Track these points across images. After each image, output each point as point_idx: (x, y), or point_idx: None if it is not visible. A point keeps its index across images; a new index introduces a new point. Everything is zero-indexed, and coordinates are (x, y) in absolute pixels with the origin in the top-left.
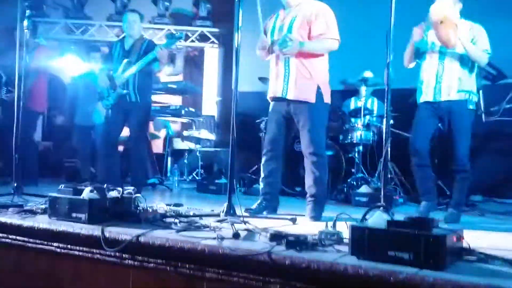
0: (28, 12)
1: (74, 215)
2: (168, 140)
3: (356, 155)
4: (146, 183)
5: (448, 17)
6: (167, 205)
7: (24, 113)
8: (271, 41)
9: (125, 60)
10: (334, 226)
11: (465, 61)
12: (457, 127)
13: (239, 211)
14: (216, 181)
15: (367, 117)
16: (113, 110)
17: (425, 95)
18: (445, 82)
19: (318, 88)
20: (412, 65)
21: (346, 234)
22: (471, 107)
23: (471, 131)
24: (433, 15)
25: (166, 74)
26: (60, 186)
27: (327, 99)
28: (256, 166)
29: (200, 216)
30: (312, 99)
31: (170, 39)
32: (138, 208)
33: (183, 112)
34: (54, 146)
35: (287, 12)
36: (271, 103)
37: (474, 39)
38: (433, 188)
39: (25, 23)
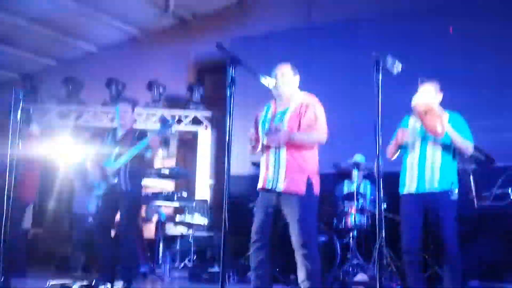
0: (22, 104)
1: None
2: (160, 226)
3: (351, 240)
4: (132, 274)
5: (433, 107)
6: None
7: (14, 203)
8: (262, 132)
9: (117, 149)
10: None
11: (447, 151)
12: (442, 218)
13: None
14: (209, 269)
15: (361, 201)
16: (104, 199)
17: (408, 187)
18: (427, 172)
19: (308, 179)
20: (395, 157)
21: None
22: (453, 198)
23: (462, 217)
24: (417, 106)
25: (160, 157)
26: (48, 283)
27: (316, 190)
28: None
29: None
30: (302, 191)
31: (163, 126)
32: None
33: (175, 197)
34: (45, 233)
35: (278, 104)
36: (260, 193)
37: (456, 129)
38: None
39: (19, 114)
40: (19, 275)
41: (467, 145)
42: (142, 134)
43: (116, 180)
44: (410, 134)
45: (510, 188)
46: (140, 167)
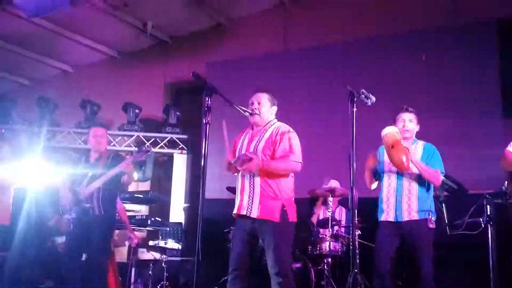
0: None
1: None
2: (132, 250)
3: (325, 267)
4: None
5: (399, 142)
6: None
7: None
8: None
9: (90, 173)
10: None
11: (423, 180)
12: (419, 246)
13: None
14: None
15: (335, 227)
16: (75, 224)
17: (387, 214)
18: (405, 202)
19: (283, 206)
20: (374, 186)
21: None
22: (431, 226)
23: (436, 244)
24: (384, 139)
25: (134, 180)
26: None
27: (292, 217)
28: (225, 277)
29: None
30: (276, 218)
31: (139, 151)
32: None
33: (149, 221)
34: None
35: (255, 132)
36: (236, 220)
37: (428, 160)
38: None
39: None
40: None
41: (435, 177)
42: (116, 157)
43: (88, 205)
44: (386, 163)
45: (481, 218)
46: (114, 191)
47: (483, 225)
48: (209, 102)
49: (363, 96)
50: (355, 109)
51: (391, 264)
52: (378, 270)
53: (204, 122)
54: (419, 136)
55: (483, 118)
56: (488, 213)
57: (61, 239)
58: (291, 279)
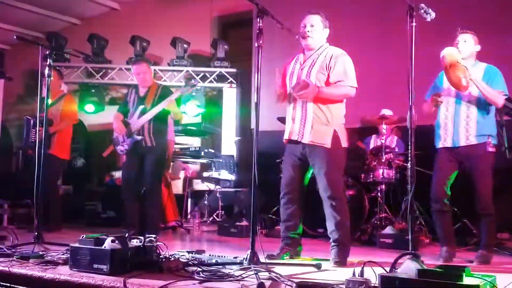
0: (49, 61)
1: (95, 266)
2: (187, 182)
3: (379, 194)
4: (159, 228)
5: (456, 61)
6: (188, 252)
7: (51, 160)
8: (289, 84)
9: (141, 107)
10: (361, 274)
11: (482, 104)
12: (478, 170)
13: (263, 258)
14: (237, 223)
15: (389, 155)
16: (128, 155)
17: (444, 141)
18: (463, 127)
19: (335, 132)
20: (432, 110)
21: (374, 281)
22: (490, 149)
23: (495, 169)
24: (443, 59)
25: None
26: (82, 236)
27: (344, 143)
28: (277, 206)
29: (223, 264)
30: (328, 143)
31: (186, 85)
32: (160, 257)
33: (202, 153)
34: (75, 189)
35: (306, 56)
36: (287, 146)
37: (489, 81)
38: (451, 234)
39: (46, 71)
40: (55, 229)
41: (496, 97)
42: (165, 90)
43: (140, 137)
44: (445, 88)
45: None
46: (164, 123)
47: None
48: (261, 24)
49: (422, 11)
50: (414, 24)
51: (448, 189)
52: (436, 194)
53: (256, 45)
54: (481, 59)
55: None
56: None
57: (118, 174)
58: (344, 202)
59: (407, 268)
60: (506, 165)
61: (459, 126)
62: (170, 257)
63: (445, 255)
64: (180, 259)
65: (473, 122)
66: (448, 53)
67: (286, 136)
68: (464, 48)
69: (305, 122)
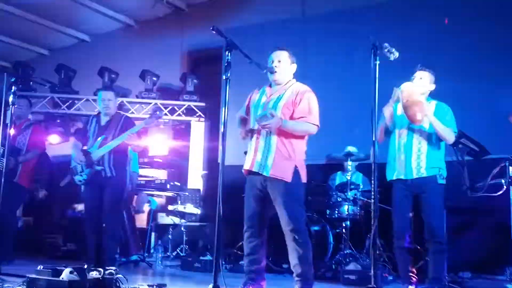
0: (13, 88)
1: None
2: (152, 215)
3: (344, 230)
4: (116, 262)
5: (415, 95)
6: (149, 286)
7: (15, 189)
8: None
9: (102, 136)
10: None
11: (433, 138)
12: (429, 202)
13: None
14: (201, 258)
15: (354, 191)
16: (88, 186)
17: (397, 173)
18: (414, 159)
19: (296, 167)
20: (383, 139)
21: None
22: (441, 181)
23: (456, 207)
24: (401, 94)
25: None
26: (39, 267)
27: (303, 178)
28: (242, 241)
29: None
30: (289, 178)
31: (150, 118)
32: None
33: (168, 186)
34: (35, 221)
35: (273, 90)
36: (247, 177)
37: (440, 118)
38: (412, 272)
39: (11, 98)
40: (7, 261)
41: (448, 133)
42: (127, 121)
43: (100, 167)
44: (398, 120)
45: (503, 179)
46: (125, 155)
47: (505, 187)
48: (229, 57)
49: (385, 50)
50: (377, 62)
51: (409, 226)
52: (398, 230)
53: (224, 77)
54: (439, 97)
55: (505, 83)
56: (510, 174)
57: (81, 206)
58: (306, 235)
59: None
60: (467, 204)
61: (411, 158)
62: None
63: None
64: None
65: (423, 154)
66: (407, 87)
67: (246, 167)
68: (420, 85)
69: (267, 155)
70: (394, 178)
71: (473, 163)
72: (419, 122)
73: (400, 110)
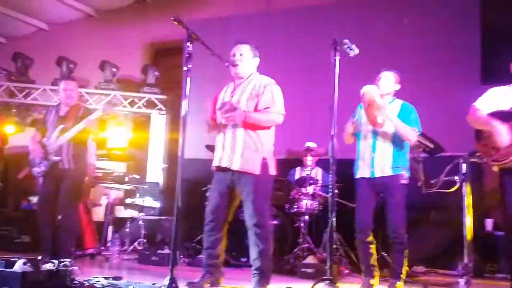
0: None
1: None
2: (109, 208)
3: (302, 224)
4: (72, 255)
5: (374, 100)
6: (105, 278)
7: None
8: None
9: (61, 126)
10: None
11: (397, 139)
12: (391, 201)
13: (183, 285)
14: (159, 251)
15: (313, 186)
16: (45, 178)
17: (362, 171)
18: (378, 159)
19: (264, 159)
20: (351, 142)
21: None
22: (404, 181)
23: (411, 204)
24: (362, 98)
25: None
26: None
27: (272, 170)
28: (201, 235)
29: None
30: (257, 170)
31: (107, 105)
32: (74, 282)
33: (126, 179)
34: None
35: (237, 84)
36: (215, 173)
37: (404, 118)
38: (374, 264)
39: None
40: None
41: (410, 134)
42: (87, 111)
43: (58, 158)
44: (363, 122)
45: (457, 176)
46: (84, 146)
47: (458, 183)
48: (191, 48)
49: (345, 46)
50: (338, 57)
51: (372, 220)
52: (361, 224)
53: (185, 69)
54: (400, 96)
55: (462, 83)
56: (464, 171)
57: (36, 198)
58: (269, 230)
59: None
60: (421, 200)
61: (376, 158)
62: (85, 282)
63: (368, 285)
64: (95, 285)
65: (388, 155)
66: (367, 91)
67: (215, 163)
68: (384, 86)
69: (235, 148)
70: (360, 176)
71: (428, 160)
72: (380, 126)
73: (364, 114)
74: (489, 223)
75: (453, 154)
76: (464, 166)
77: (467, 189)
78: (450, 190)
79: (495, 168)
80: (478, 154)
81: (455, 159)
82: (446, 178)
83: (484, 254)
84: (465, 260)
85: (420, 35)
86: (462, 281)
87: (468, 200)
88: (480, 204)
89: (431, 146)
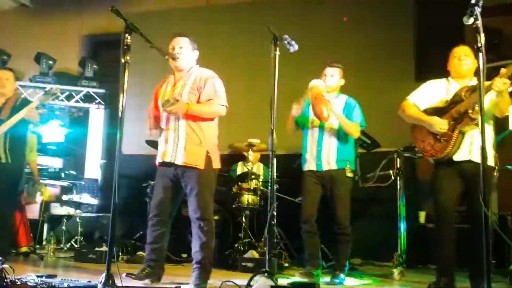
0: None
1: None
2: (44, 205)
3: (244, 219)
4: (10, 252)
5: (321, 94)
6: (38, 276)
7: None
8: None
9: None
10: None
11: (342, 133)
12: (337, 193)
13: (119, 281)
14: (96, 249)
15: (254, 181)
16: None
17: (309, 164)
18: (325, 152)
19: (207, 153)
20: (295, 132)
21: None
22: (349, 174)
23: (351, 196)
24: (309, 91)
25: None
26: None
27: (216, 164)
28: (141, 232)
29: None
30: (201, 165)
31: (45, 94)
32: (5, 280)
33: (63, 175)
34: None
35: (177, 78)
36: (159, 168)
37: (348, 113)
38: (316, 256)
39: None
40: None
41: (353, 129)
42: (24, 102)
43: None
44: (310, 116)
45: (391, 171)
46: (22, 139)
47: (393, 177)
48: (129, 40)
49: (285, 41)
50: (277, 53)
51: (317, 211)
52: (306, 215)
53: (123, 61)
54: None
55: (397, 80)
56: (398, 165)
57: None
58: (212, 224)
59: (262, 284)
60: (359, 194)
61: (322, 152)
62: (17, 280)
63: (310, 275)
64: (28, 283)
65: (333, 149)
66: (314, 85)
67: (159, 159)
68: (330, 82)
69: (178, 142)
70: (307, 169)
71: (365, 155)
72: (325, 120)
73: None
74: (422, 216)
75: (388, 149)
76: (398, 160)
77: (401, 183)
78: (385, 184)
79: (431, 160)
80: (415, 148)
81: (389, 153)
82: (381, 173)
83: (417, 246)
84: (399, 251)
85: (357, 33)
86: (396, 271)
87: (402, 194)
88: (414, 197)
89: (368, 141)
